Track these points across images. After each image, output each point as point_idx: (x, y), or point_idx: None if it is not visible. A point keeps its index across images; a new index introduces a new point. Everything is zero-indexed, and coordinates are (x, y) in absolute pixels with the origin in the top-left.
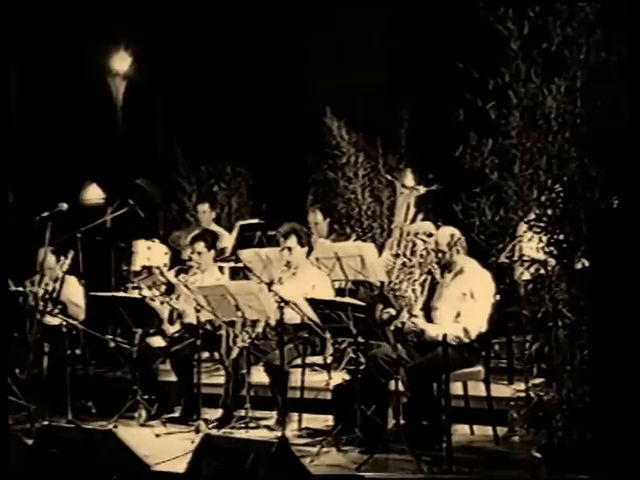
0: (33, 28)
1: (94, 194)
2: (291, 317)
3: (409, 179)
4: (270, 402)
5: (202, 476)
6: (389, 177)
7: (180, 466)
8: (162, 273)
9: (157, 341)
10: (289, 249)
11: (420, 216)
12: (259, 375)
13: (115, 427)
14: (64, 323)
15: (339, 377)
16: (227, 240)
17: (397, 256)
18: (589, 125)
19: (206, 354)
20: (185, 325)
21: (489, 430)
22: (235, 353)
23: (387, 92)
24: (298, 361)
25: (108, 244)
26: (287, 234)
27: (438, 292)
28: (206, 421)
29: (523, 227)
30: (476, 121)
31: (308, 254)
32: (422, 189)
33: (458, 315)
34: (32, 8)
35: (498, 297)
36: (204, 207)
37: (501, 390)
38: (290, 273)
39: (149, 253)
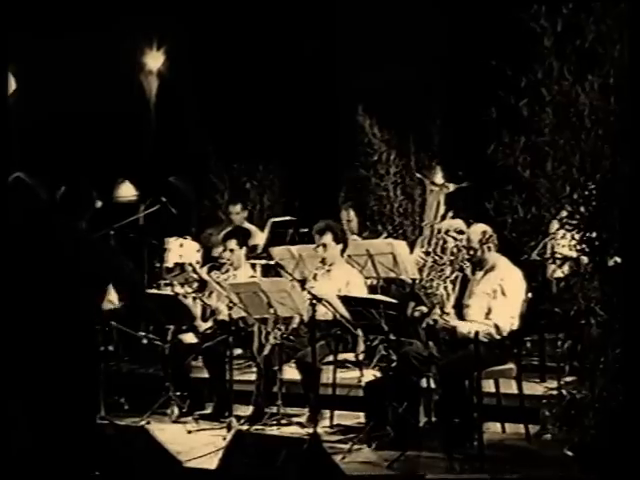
0: (69, 26)
1: (127, 191)
2: (323, 314)
3: (439, 177)
4: (302, 399)
5: (234, 473)
6: (419, 175)
7: (212, 463)
8: (194, 270)
9: (189, 338)
10: (324, 245)
11: (450, 213)
12: (291, 372)
13: (148, 423)
14: None
15: (371, 374)
16: (259, 237)
17: (428, 254)
18: (623, 122)
19: (238, 351)
20: (217, 322)
21: (521, 428)
22: (267, 350)
23: (419, 89)
24: (330, 358)
25: (141, 241)
26: (323, 231)
27: (469, 289)
28: (238, 418)
29: (555, 225)
30: (509, 118)
31: (343, 251)
32: (452, 186)
33: (489, 312)
34: (72, 7)
35: (530, 295)
36: (236, 208)
37: (533, 388)
38: (325, 270)
39: (181, 250)
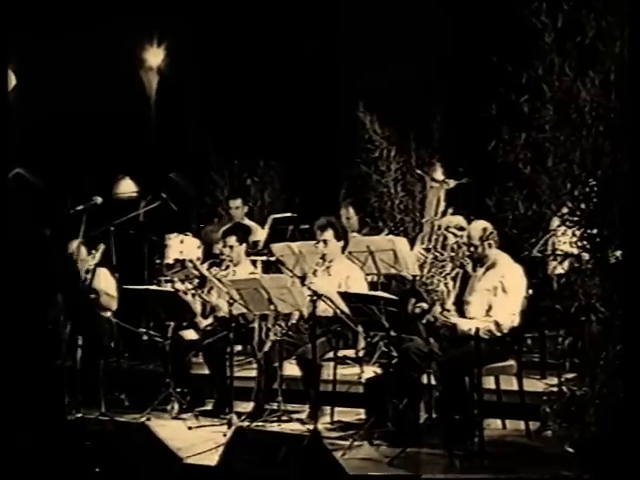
0: (69, 26)
1: (127, 188)
2: (324, 310)
3: (439, 173)
4: (302, 395)
5: (234, 469)
6: (419, 171)
7: (212, 459)
8: (195, 266)
9: (190, 334)
10: (325, 242)
11: (451, 210)
12: (291, 368)
13: (148, 420)
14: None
15: (371, 371)
16: (260, 234)
17: (429, 250)
18: (623, 119)
19: (239, 347)
20: (218, 318)
21: (521, 424)
22: (267, 346)
23: (420, 85)
24: (330, 355)
25: (141, 237)
26: (324, 227)
27: (470, 286)
28: (238, 414)
29: (556, 221)
30: (509, 115)
31: (344, 248)
32: (452, 183)
33: (490, 309)
34: (72, 6)
35: (531, 291)
36: (236, 203)
37: (534, 384)
38: (325, 266)
39: (182, 246)
